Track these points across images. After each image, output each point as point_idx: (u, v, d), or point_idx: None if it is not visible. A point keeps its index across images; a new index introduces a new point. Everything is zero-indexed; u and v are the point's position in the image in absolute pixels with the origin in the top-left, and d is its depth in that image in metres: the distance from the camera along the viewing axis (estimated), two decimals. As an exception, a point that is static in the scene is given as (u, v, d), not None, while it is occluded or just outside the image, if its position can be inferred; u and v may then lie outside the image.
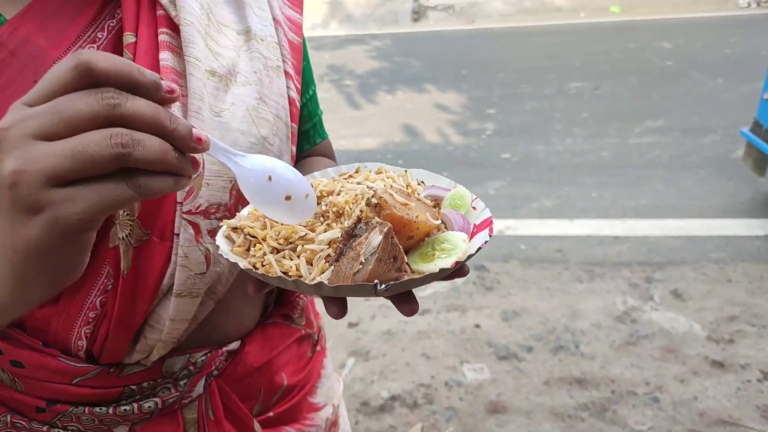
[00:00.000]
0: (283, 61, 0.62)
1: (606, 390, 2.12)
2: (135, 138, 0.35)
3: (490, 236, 0.48)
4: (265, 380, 0.69)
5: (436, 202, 0.54)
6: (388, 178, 0.55)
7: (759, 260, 2.84)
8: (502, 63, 6.53)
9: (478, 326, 2.47)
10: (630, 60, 6.48)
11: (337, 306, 0.45)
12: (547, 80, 5.89)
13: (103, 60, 0.35)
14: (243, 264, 0.48)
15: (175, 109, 0.52)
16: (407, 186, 0.56)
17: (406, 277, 0.44)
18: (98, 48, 0.53)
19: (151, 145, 0.35)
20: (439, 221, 0.50)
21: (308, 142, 0.76)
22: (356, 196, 0.51)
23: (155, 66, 0.53)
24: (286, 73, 0.62)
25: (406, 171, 0.58)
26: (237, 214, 0.56)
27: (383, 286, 0.43)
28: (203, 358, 0.62)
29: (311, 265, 0.48)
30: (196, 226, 0.55)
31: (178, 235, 0.54)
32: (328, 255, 0.48)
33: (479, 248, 0.47)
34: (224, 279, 0.59)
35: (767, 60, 3.21)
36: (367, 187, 0.53)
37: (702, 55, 6.48)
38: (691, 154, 4.06)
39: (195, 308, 0.57)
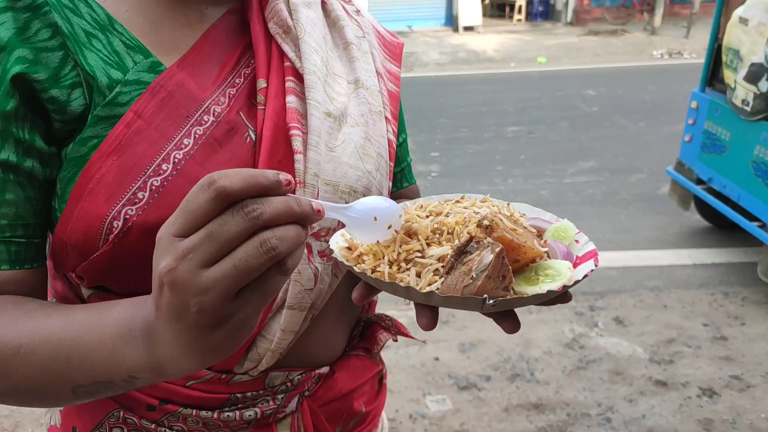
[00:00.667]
0: (384, 107, 0.70)
1: (562, 413, 2.22)
2: (278, 236, 0.38)
3: (596, 266, 0.51)
4: (348, 406, 0.74)
5: (540, 233, 0.58)
6: (493, 206, 0.59)
7: (690, 287, 3.07)
8: (442, 109, 6.82)
9: (437, 359, 2.53)
10: (559, 106, 6.92)
11: (428, 317, 0.50)
12: (485, 125, 6.20)
13: (234, 180, 0.38)
14: (357, 269, 0.52)
15: (298, 143, 0.60)
16: (511, 215, 0.58)
17: (513, 296, 0.47)
18: (237, 91, 0.60)
19: (290, 236, 0.39)
20: (545, 249, 0.53)
21: (396, 186, 0.82)
22: (464, 218, 0.54)
23: (283, 107, 0.61)
24: (386, 118, 0.70)
25: (508, 203, 0.61)
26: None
27: (492, 301, 0.45)
28: (299, 376, 0.67)
29: (419, 277, 0.50)
30: (309, 246, 0.61)
31: None
32: (437, 269, 0.50)
33: (585, 275, 0.50)
34: (323, 295, 0.65)
35: (683, 105, 3.55)
36: (474, 212, 0.56)
37: (624, 101, 7.01)
38: (621, 192, 4.36)
39: (301, 320, 0.63)
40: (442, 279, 0.49)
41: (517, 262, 0.50)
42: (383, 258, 0.52)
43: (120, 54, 0.56)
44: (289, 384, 0.67)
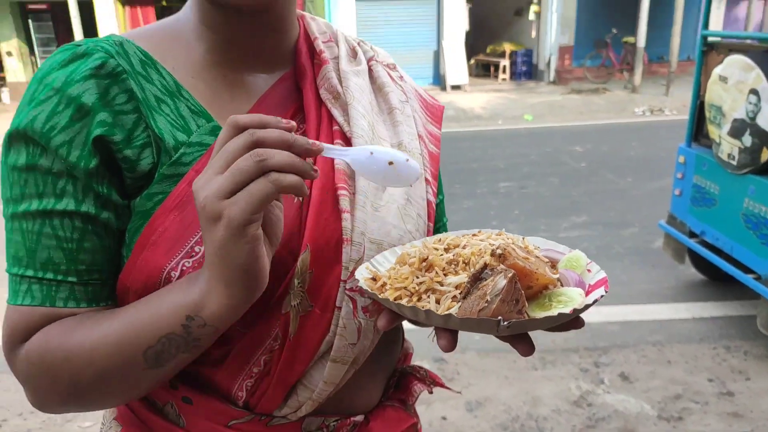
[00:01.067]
0: (425, 169, 0.73)
1: (574, 475, 2.17)
2: (269, 152, 0.48)
3: (606, 292, 0.54)
4: None
5: (553, 263, 0.60)
6: (507, 238, 0.62)
7: (691, 341, 3.07)
8: (434, 165, 6.95)
9: (444, 418, 2.48)
10: (548, 162, 7.08)
11: (448, 339, 0.52)
12: (477, 181, 6.30)
13: (245, 117, 0.51)
14: (381, 297, 0.54)
15: (345, 203, 0.63)
16: (525, 247, 0.61)
17: (528, 319, 0.50)
18: None
19: (279, 153, 0.49)
20: (557, 276, 0.56)
21: None
22: (480, 249, 0.58)
23: (331, 169, 0.65)
24: (426, 179, 0.73)
25: (523, 237, 0.64)
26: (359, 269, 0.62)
27: (506, 323, 0.48)
28: (335, 423, 0.68)
29: (438, 303, 0.54)
30: (354, 302, 0.63)
31: (340, 308, 0.62)
32: (455, 296, 0.54)
33: (596, 300, 0.52)
34: (366, 350, 0.66)
35: (667, 160, 3.66)
36: (489, 244, 0.59)
37: (610, 157, 7.18)
38: (615, 246, 4.41)
39: (343, 373, 0.64)
40: (459, 303, 0.52)
41: (530, 288, 0.53)
42: (404, 289, 0.56)
43: (185, 118, 0.61)
44: (324, 430, 0.68)
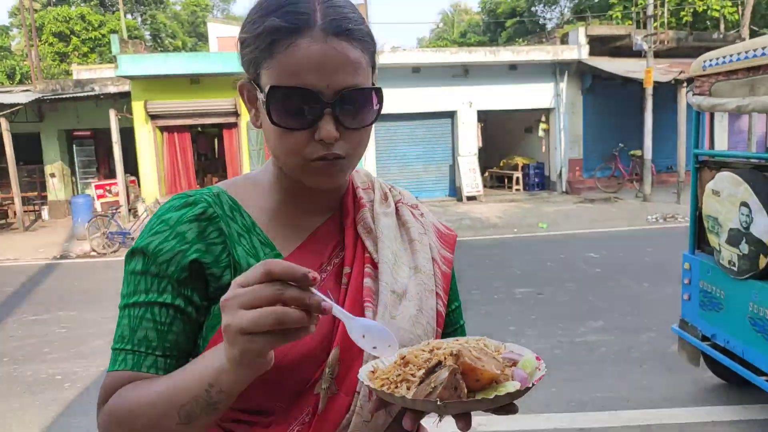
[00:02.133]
0: (436, 285, 0.93)
1: None
2: (287, 313, 0.59)
3: (533, 385, 0.66)
4: None
5: (514, 363, 0.74)
6: (484, 344, 0.78)
7: (712, 444, 3.09)
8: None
9: None
10: (564, 269, 7.25)
11: (412, 419, 0.67)
12: (494, 287, 6.48)
13: (278, 266, 0.61)
14: (372, 386, 0.71)
15: (369, 313, 0.83)
16: (489, 351, 0.74)
17: (459, 401, 0.62)
18: (328, 275, 0.86)
19: (294, 315, 0.60)
20: (500, 372, 0.69)
21: None
22: (452, 350, 0.73)
23: (360, 287, 0.84)
24: (437, 294, 0.93)
25: (503, 344, 0.78)
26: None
27: (440, 402, 0.61)
28: None
29: (408, 389, 0.70)
30: (370, 390, 0.80)
31: (358, 392, 0.80)
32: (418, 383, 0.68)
33: (528, 388, 0.65)
34: (379, 428, 0.83)
35: (680, 266, 3.87)
36: (462, 345, 0.74)
37: (626, 263, 7.35)
38: (632, 350, 4.48)
39: None
40: (414, 390, 0.68)
41: (478, 381, 0.65)
42: (386, 379, 0.73)
43: (256, 248, 0.83)
44: None
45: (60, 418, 3.73)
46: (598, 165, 14.62)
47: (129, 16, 30.76)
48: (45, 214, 14.43)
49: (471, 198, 14.15)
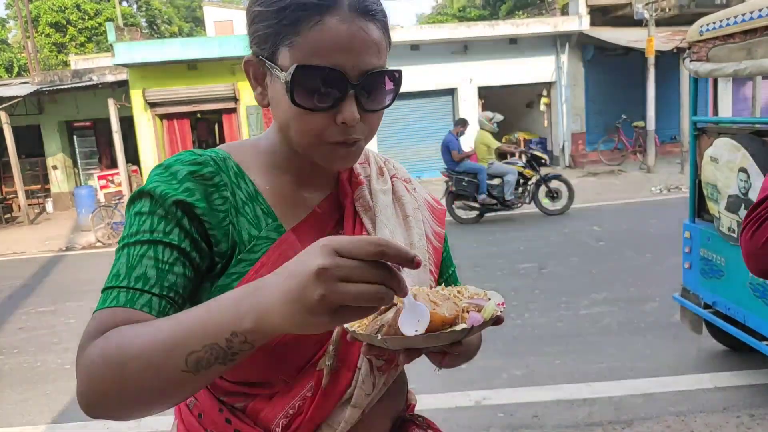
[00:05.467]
0: (429, 262, 0.95)
1: None
2: (389, 295, 0.58)
3: (473, 327, 0.69)
4: None
5: (478, 308, 0.77)
6: (458, 291, 0.81)
7: (715, 410, 3.10)
8: (455, 249, 7.09)
9: (471, 493, 2.55)
10: (567, 243, 7.25)
11: (366, 350, 0.73)
12: (497, 263, 6.48)
13: (392, 249, 0.57)
14: (349, 327, 0.73)
15: None
16: (470, 296, 0.79)
17: (399, 337, 0.67)
18: None
19: (390, 295, 0.58)
20: (454, 316, 0.71)
21: None
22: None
23: None
24: (430, 270, 0.95)
25: (485, 292, 0.80)
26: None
27: (381, 337, 0.67)
28: None
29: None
30: (371, 363, 0.83)
31: (359, 368, 0.82)
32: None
33: (467, 329, 0.68)
34: (375, 396, 0.86)
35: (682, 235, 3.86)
36: (420, 291, 0.76)
37: (629, 235, 7.33)
38: (636, 321, 4.49)
39: (358, 416, 0.83)
40: (366, 326, 0.73)
41: (430, 323, 0.68)
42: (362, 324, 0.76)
43: (259, 218, 0.82)
44: None
45: (70, 405, 3.79)
46: (601, 138, 14.53)
47: (125, 3, 30.51)
48: (49, 206, 14.50)
49: (474, 175, 14.10)
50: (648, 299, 4.91)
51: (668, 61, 13.14)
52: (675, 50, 12.38)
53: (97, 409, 0.66)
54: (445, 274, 1.03)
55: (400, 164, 1.06)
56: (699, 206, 3.63)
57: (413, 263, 0.58)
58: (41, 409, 3.78)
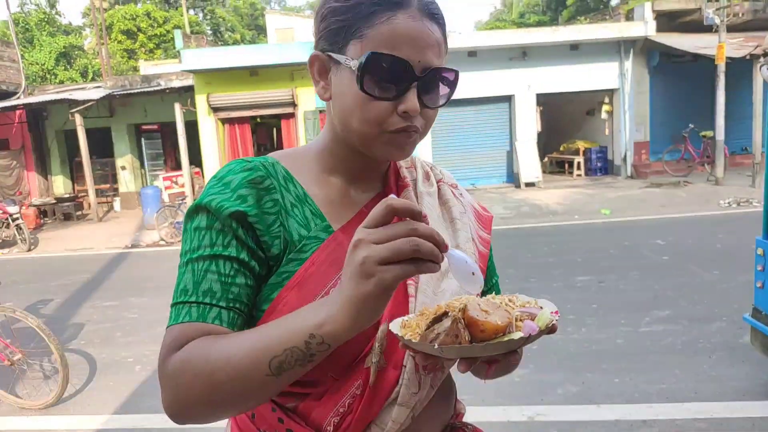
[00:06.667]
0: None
1: None
2: (422, 244, 0.63)
3: (531, 336, 0.69)
4: None
5: (531, 316, 0.75)
6: (509, 300, 0.79)
7: (788, 440, 2.91)
8: (510, 260, 7.04)
9: None
10: (628, 256, 6.99)
11: (422, 358, 0.72)
12: (553, 275, 6.33)
13: (398, 202, 0.65)
14: (399, 333, 0.73)
15: (412, 289, 0.85)
16: (522, 305, 0.77)
17: (456, 346, 0.67)
18: None
19: (428, 245, 0.63)
20: (506, 324, 0.71)
21: None
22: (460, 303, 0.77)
23: None
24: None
25: (536, 300, 0.79)
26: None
27: (437, 347, 0.67)
28: None
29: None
30: (416, 363, 0.83)
31: (405, 366, 0.83)
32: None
33: (525, 338, 0.68)
34: (423, 399, 0.86)
35: (753, 252, 3.64)
36: (473, 299, 0.76)
37: (695, 250, 7.01)
38: (701, 340, 4.27)
39: (406, 416, 0.84)
40: (421, 335, 0.72)
41: (483, 332, 0.69)
42: (414, 329, 0.75)
43: (308, 219, 0.85)
44: None
45: (132, 397, 3.95)
46: (666, 147, 13.97)
47: (191, 11, 31.74)
48: (117, 205, 15.21)
49: (529, 184, 13.86)
50: (714, 318, 4.67)
51: (740, 68, 12.49)
52: (748, 57, 11.78)
53: (185, 416, 0.73)
54: (489, 283, 1.03)
55: (447, 170, 1.08)
56: (774, 222, 3.43)
57: (420, 216, 0.65)
58: (105, 399, 3.95)
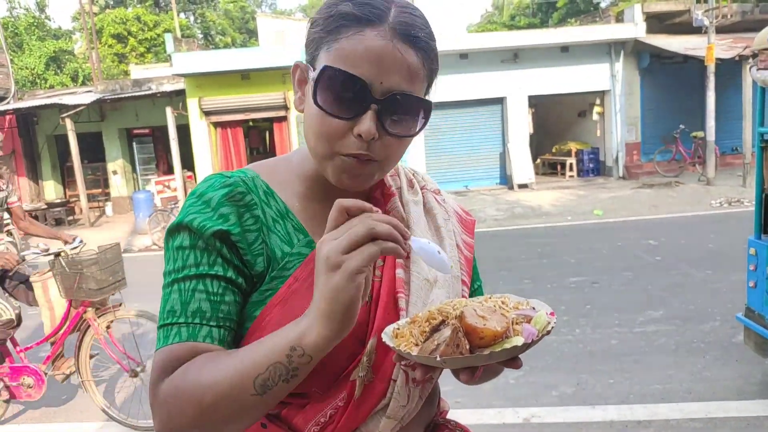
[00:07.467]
0: (461, 272, 0.95)
1: None
2: (375, 224, 0.66)
3: (533, 341, 0.69)
4: None
5: (527, 319, 0.75)
6: (502, 302, 0.79)
7: (782, 439, 2.92)
8: (503, 261, 7.05)
9: None
10: (621, 256, 7.02)
11: (422, 371, 0.72)
12: (546, 276, 6.33)
13: (349, 202, 0.68)
14: (393, 344, 0.72)
15: (403, 302, 0.84)
16: (515, 306, 0.77)
17: (460, 357, 0.66)
18: None
19: (383, 226, 0.66)
20: (504, 330, 0.70)
21: None
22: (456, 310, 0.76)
23: (393, 279, 0.85)
24: (462, 281, 0.94)
25: (527, 301, 0.79)
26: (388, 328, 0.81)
27: (440, 358, 0.65)
28: None
29: (417, 346, 0.72)
30: (406, 375, 0.82)
31: (395, 380, 0.82)
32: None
33: (528, 344, 0.68)
34: (411, 411, 0.86)
35: (746, 252, 3.66)
36: (470, 305, 0.75)
37: (687, 250, 7.04)
38: (695, 341, 4.29)
39: (392, 427, 0.83)
40: (420, 346, 0.71)
41: (482, 339, 0.68)
42: (407, 337, 0.75)
43: (290, 234, 0.84)
44: None
45: (123, 405, 3.91)
46: (658, 148, 14.05)
47: (182, 15, 31.65)
48: (109, 210, 15.11)
49: (522, 186, 13.89)
50: (708, 318, 4.69)
51: (729, 69, 12.59)
52: (737, 58, 11.87)
53: None
54: (472, 287, 1.02)
55: (428, 175, 1.07)
56: (765, 221, 3.45)
57: (371, 210, 0.69)
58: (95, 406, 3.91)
